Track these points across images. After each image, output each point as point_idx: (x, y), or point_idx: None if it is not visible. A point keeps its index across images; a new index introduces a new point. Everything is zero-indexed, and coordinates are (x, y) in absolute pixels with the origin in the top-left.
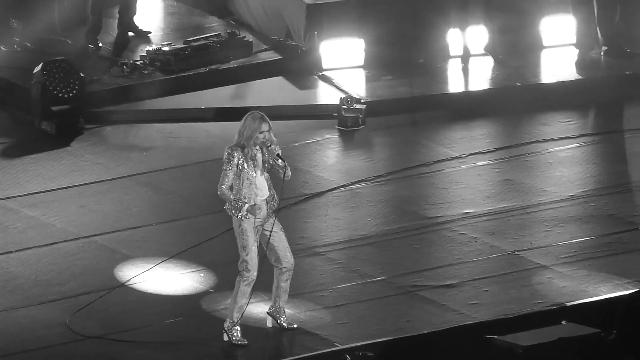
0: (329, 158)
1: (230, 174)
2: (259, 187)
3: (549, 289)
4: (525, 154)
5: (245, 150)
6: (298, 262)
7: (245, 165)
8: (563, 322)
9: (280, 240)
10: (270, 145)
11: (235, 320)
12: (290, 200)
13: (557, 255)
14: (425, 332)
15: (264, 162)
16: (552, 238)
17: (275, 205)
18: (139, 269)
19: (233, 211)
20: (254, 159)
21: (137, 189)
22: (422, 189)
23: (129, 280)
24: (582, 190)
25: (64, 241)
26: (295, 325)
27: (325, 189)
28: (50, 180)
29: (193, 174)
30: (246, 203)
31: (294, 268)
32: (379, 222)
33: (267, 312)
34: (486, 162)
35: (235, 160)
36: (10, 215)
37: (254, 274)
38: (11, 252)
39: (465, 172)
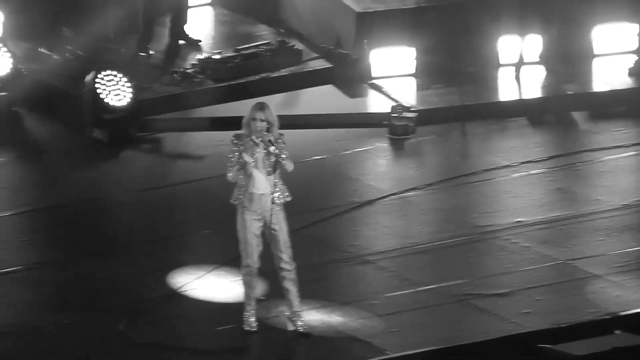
0: (379, 166)
1: (234, 162)
2: (257, 179)
3: (602, 298)
4: (577, 163)
5: (245, 139)
6: (349, 271)
7: (242, 154)
8: (617, 332)
9: (277, 240)
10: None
11: (247, 309)
12: (340, 209)
13: (609, 265)
14: (477, 341)
15: (267, 155)
16: (605, 247)
17: (282, 200)
18: (192, 276)
19: (240, 197)
20: (252, 149)
21: (189, 196)
22: (472, 197)
23: (182, 287)
24: (635, 199)
25: (117, 248)
26: (308, 331)
27: (376, 197)
28: (102, 187)
29: None
30: (244, 190)
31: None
32: (430, 230)
33: (286, 315)
34: (538, 170)
35: (235, 147)
36: (62, 222)
37: (250, 264)
38: (64, 259)
39: (517, 181)
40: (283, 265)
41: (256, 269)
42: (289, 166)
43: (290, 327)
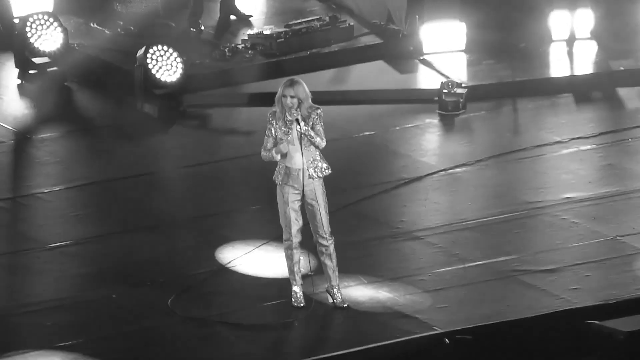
0: (429, 142)
1: (268, 138)
2: (291, 154)
3: None
4: (628, 139)
5: (277, 114)
6: (398, 247)
7: (274, 129)
8: None
9: (314, 214)
10: (295, 110)
11: (292, 283)
12: (390, 185)
13: None
14: (525, 316)
15: (300, 133)
16: None
17: (320, 174)
18: (240, 251)
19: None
20: (285, 125)
21: (237, 172)
22: (522, 173)
23: (230, 262)
24: None
25: (166, 223)
26: (345, 305)
27: (425, 173)
28: (152, 162)
29: None
30: (281, 166)
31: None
32: (479, 206)
33: (325, 289)
34: (588, 146)
35: (268, 124)
36: (112, 197)
37: (290, 237)
38: (113, 233)
39: (567, 157)
40: (320, 240)
41: (297, 242)
42: (320, 143)
43: (330, 301)
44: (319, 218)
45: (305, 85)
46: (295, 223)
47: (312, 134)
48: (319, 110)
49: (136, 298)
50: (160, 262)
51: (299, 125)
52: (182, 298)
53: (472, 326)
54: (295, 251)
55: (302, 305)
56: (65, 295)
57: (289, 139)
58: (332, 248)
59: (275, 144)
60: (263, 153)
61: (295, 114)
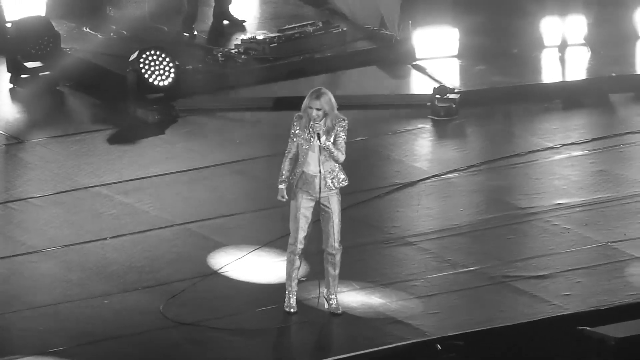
0: (422, 148)
1: (292, 144)
2: (309, 161)
3: None
4: (620, 145)
5: (303, 120)
6: (390, 252)
7: (298, 135)
8: None
9: (327, 222)
10: (316, 124)
11: (288, 289)
12: (383, 190)
13: None
14: (517, 322)
15: (321, 141)
16: None
17: (337, 185)
18: (232, 256)
19: (294, 177)
20: (307, 134)
21: (230, 176)
22: (515, 179)
23: (222, 267)
24: None
25: (158, 228)
26: (340, 312)
27: (418, 179)
28: (145, 167)
29: None
30: (298, 171)
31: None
32: (472, 212)
33: (321, 295)
34: (580, 152)
35: (293, 129)
36: (105, 202)
37: (295, 242)
38: (106, 239)
39: (559, 163)
40: (329, 248)
41: (300, 249)
42: (339, 158)
43: (326, 307)
44: (331, 225)
45: (331, 96)
46: (303, 230)
47: (332, 149)
48: (344, 123)
49: (129, 303)
50: (153, 267)
51: (319, 140)
52: (174, 303)
53: (464, 332)
54: (297, 257)
55: (293, 310)
56: (57, 300)
57: (310, 145)
58: (338, 257)
59: (297, 151)
60: (284, 161)
61: (317, 128)
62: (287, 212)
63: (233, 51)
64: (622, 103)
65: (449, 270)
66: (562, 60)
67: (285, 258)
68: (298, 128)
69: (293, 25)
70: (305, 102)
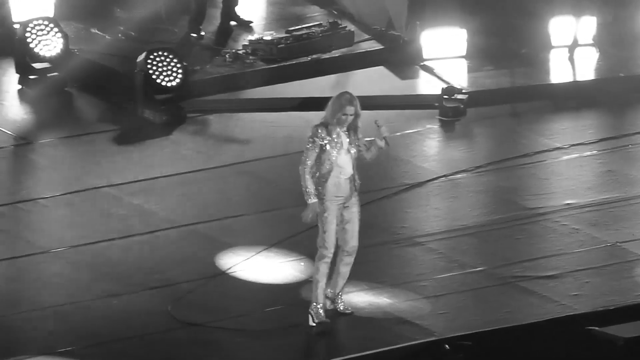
0: (430, 148)
1: (312, 153)
2: (342, 165)
3: None
4: (628, 145)
5: (329, 128)
6: (399, 253)
7: (327, 144)
8: None
9: (353, 223)
10: (381, 127)
11: (319, 301)
12: (391, 190)
13: None
14: (525, 323)
15: (350, 142)
16: None
17: (356, 187)
18: (240, 257)
19: (319, 188)
20: (338, 138)
21: (238, 178)
22: (523, 179)
23: (230, 268)
24: None
25: (166, 229)
26: (350, 310)
27: (426, 179)
28: (152, 168)
29: (293, 163)
30: (327, 178)
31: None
32: (480, 212)
33: (326, 295)
34: (589, 153)
35: (319, 138)
36: (113, 203)
37: (331, 252)
38: (113, 239)
39: (567, 163)
40: (349, 248)
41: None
42: (374, 156)
43: (328, 306)
44: (355, 229)
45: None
46: (335, 238)
47: (362, 150)
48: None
49: (136, 304)
50: (161, 267)
51: (354, 149)
52: (182, 304)
53: (473, 332)
54: (328, 266)
55: (328, 321)
56: (65, 300)
57: (335, 155)
58: (352, 259)
59: (317, 157)
60: (301, 167)
61: (358, 141)
62: (293, 213)
63: (241, 52)
64: (630, 103)
65: (457, 270)
66: (570, 60)
67: (316, 269)
68: (327, 137)
69: (300, 26)
70: (338, 108)
